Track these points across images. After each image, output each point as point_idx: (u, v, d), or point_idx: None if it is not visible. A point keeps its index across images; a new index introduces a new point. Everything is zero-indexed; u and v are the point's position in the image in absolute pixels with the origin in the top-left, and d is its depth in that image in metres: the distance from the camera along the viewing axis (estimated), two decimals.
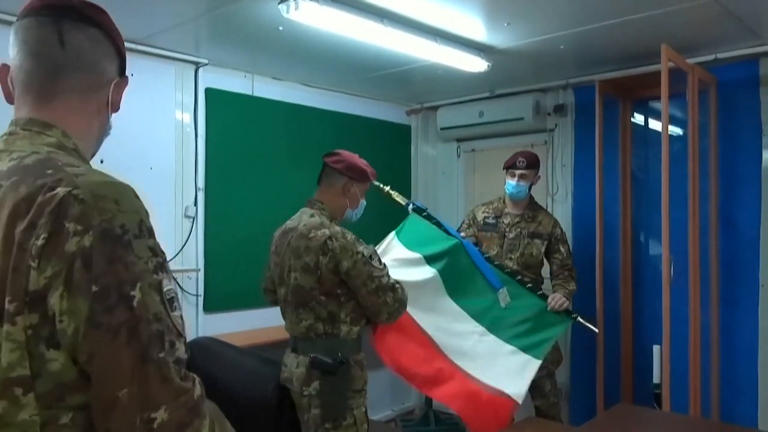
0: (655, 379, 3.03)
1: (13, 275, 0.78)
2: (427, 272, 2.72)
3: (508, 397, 2.60)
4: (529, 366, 2.76)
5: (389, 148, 4.61)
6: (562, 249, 3.23)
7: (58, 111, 0.94)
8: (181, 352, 0.85)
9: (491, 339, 2.78)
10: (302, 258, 2.09)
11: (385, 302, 2.11)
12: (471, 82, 3.92)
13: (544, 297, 3.00)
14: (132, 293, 0.80)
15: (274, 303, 2.39)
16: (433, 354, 2.59)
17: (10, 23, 2.80)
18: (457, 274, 2.81)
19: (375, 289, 2.08)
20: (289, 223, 2.25)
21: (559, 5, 2.60)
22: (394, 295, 2.14)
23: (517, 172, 3.21)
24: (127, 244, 0.81)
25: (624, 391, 3.70)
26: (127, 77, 1.03)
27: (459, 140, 4.68)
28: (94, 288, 0.78)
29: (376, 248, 2.46)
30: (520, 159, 3.21)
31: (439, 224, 2.92)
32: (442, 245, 2.82)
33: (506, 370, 2.70)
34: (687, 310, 3.04)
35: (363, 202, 2.37)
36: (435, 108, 4.64)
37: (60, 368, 0.79)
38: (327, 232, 2.08)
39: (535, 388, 3.22)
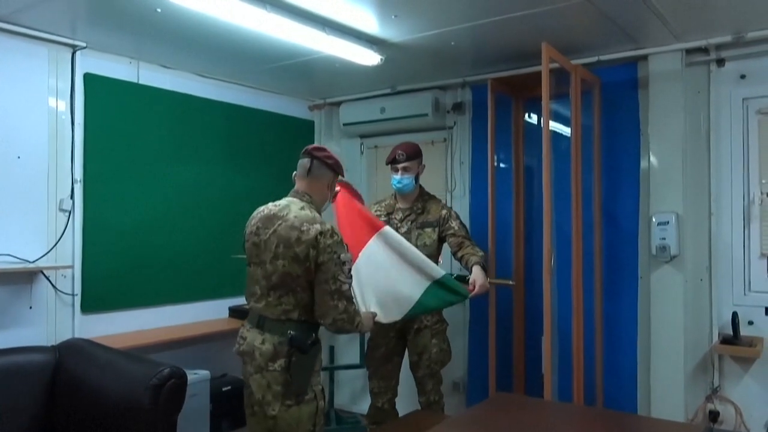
0: (543, 370, 3.11)
1: None
2: None
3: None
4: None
5: (292, 143, 4.48)
6: (453, 224, 3.18)
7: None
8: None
9: None
10: (293, 248, 2.22)
11: (335, 306, 2.22)
12: (372, 78, 3.90)
13: (461, 276, 2.93)
14: None
15: None
16: None
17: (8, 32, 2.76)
18: None
19: (333, 291, 2.21)
20: (273, 209, 2.34)
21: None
22: (347, 306, 2.25)
23: (399, 165, 3.18)
24: None
25: (516, 382, 3.79)
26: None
27: (362, 136, 4.65)
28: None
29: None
30: (399, 152, 3.18)
31: None
32: None
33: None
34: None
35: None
36: (338, 103, 4.59)
37: None
38: (318, 227, 2.23)
39: (418, 384, 3.23)
